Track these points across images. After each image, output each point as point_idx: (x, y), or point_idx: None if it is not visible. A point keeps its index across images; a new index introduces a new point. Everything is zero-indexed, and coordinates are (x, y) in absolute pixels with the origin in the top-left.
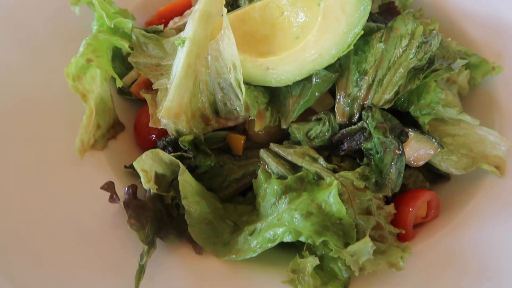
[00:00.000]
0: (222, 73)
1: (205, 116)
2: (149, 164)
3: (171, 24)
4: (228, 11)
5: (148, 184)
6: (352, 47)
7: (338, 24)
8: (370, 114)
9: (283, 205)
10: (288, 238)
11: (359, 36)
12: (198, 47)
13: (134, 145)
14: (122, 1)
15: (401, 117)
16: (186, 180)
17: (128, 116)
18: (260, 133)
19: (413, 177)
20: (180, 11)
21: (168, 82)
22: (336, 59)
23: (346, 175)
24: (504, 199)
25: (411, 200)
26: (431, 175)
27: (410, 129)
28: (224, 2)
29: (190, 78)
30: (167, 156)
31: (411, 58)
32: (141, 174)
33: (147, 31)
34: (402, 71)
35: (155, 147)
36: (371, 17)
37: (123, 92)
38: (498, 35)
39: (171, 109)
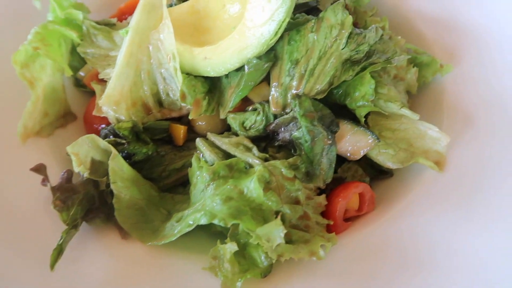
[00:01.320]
0: (164, 63)
1: (146, 105)
2: (85, 150)
3: (128, 19)
4: (177, 3)
5: (78, 168)
6: (278, 35)
7: (263, 13)
8: (297, 102)
9: (210, 191)
10: (203, 221)
11: (284, 24)
12: (140, 37)
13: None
14: None
15: (342, 110)
16: (117, 165)
17: (82, 107)
18: (202, 123)
19: (352, 170)
20: None
21: (112, 71)
22: (265, 47)
23: (275, 164)
24: (441, 194)
25: (342, 191)
26: (374, 171)
27: (346, 121)
28: None
29: (132, 67)
30: (102, 142)
31: (342, 49)
32: (72, 157)
33: (99, 23)
34: (334, 61)
35: None
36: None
37: (79, 83)
38: (451, 34)
39: (111, 97)
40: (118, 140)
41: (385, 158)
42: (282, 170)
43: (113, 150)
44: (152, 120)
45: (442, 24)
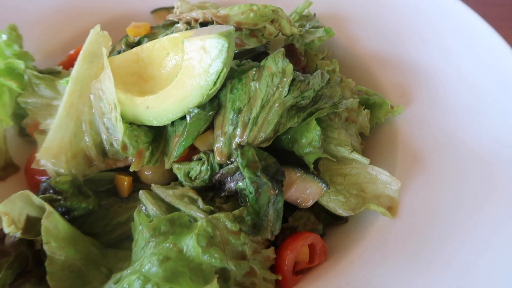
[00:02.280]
0: (106, 113)
1: (88, 157)
2: (20, 207)
3: None
4: (126, 50)
5: (8, 228)
6: (218, 85)
7: (200, 63)
8: (239, 152)
9: (149, 250)
10: (136, 285)
11: (223, 74)
12: (81, 86)
13: (25, 188)
14: (35, 44)
15: (290, 156)
16: (51, 224)
17: (26, 158)
18: (148, 173)
19: (304, 218)
20: None
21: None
22: (205, 97)
23: (219, 217)
24: (394, 242)
25: (290, 244)
26: (329, 216)
27: (294, 169)
28: (109, 43)
29: (72, 118)
30: (36, 198)
31: (285, 96)
32: (2, 217)
33: (42, 72)
34: (277, 109)
35: None
36: (262, 56)
37: (23, 133)
38: (402, 75)
39: (49, 149)
40: (54, 196)
41: (336, 205)
42: (227, 223)
43: (47, 207)
44: (95, 171)
45: (393, 64)
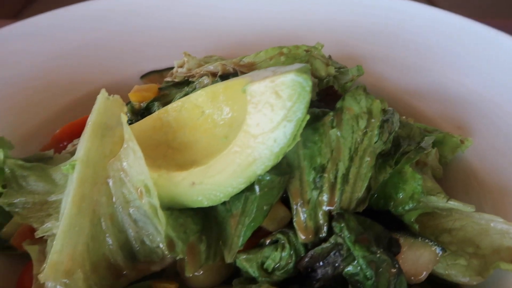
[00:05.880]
0: (133, 200)
1: (115, 265)
2: None
3: (69, 147)
4: (136, 121)
5: None
6: (297, 139)
7: (273, 111)
8: (343, 224)
9: None
10: None
11: (304, 123)
12: (94, 170)
13: None
14: (8, 129)
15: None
16: None
17: (10, 279)
18: (198, 274)
19: None
20: (81, 131)
21: (57, 226)
22: (280, 157)
23: None
24: None
25: None
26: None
27: (397, 234)
28: (125, 109)
29: (85, 215)
30: None
31: (375, 142)
32: None
33: (29, 161)
34: (369, 159)
35: None
36: (312, 104)
37: (3, 246)
38: (451, 108)
39: (58, 265)
40: None
41: (457, 271)
42: None
43: None
44: (124, 284)
45: (432, 96)
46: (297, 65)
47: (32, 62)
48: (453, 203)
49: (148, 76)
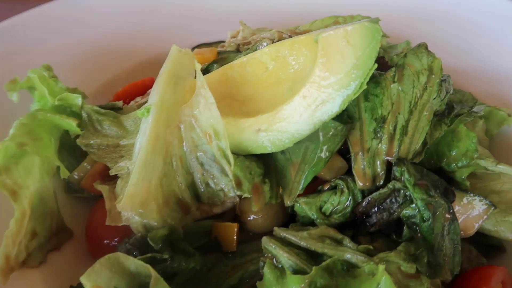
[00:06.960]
0: (201, 144)
1: (183, 202)
2: (106, 277)
3: (132, 103)
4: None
5: None
6: (364, 86)
7: (343, 58)
8: (404, 168)
9: None
10: None
11: (371, 71)
12: (167, 114)
13: (86, 257)
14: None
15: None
16: None
17: (78, 219)
18: (257, 217)
19: (465, 252)
20: (142, 91)
21: (130, 164)
22: (346, 104)
23: (388, 257)
24: None
25: (481, 282)
26: (480, 247)
27: (452, 188)
28: (195, 61)
29: (160, 154)
30: (132, 262)
31: (434, 98)
32: None
33: (103, 108)
34: (427, 114)
35: None
36: None
37: (72, 189)
38: (498, 87)
39: (135, 197)
40: (158, 256)
41: (506, 228)
42: (401, 265)
43: (153, 273)
44: (190, 221)
45: (478, 75)
46: (367, 19)
47: (98, 28)
48: (502, 167)
49: (198, 49)
